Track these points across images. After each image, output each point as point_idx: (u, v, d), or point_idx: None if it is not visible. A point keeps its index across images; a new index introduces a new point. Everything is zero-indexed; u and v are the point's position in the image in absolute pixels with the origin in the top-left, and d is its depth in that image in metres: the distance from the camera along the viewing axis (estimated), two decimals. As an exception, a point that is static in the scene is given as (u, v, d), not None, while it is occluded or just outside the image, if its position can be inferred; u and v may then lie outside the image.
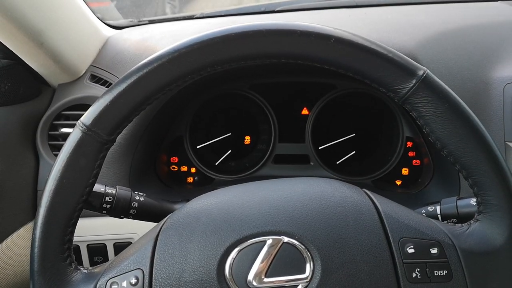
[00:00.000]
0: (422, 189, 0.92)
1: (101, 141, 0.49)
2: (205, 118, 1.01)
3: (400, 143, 0.96)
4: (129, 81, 0.49)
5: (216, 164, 1.02)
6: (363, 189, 0.57)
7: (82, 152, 0.49)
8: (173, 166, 1.02)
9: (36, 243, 0.48)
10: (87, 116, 0.49)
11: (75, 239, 0.80)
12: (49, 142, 0.83)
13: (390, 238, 0.48)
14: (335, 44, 0.46)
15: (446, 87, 0.47)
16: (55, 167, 0.49)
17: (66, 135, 0.85)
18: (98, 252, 0.81)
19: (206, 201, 0.53)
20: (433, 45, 0.81)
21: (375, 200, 0.53)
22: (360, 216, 0.50)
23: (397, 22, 0.91)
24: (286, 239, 0.47)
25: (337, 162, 0.97)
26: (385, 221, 0.50)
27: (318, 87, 0.98)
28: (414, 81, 0.46)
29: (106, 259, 0.83)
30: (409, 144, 0.96)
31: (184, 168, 1.02)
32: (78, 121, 0.49)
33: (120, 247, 0.82)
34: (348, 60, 0.47)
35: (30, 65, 0.81)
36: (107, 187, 0.61)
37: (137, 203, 0.63)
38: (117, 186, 0.63)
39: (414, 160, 0.97)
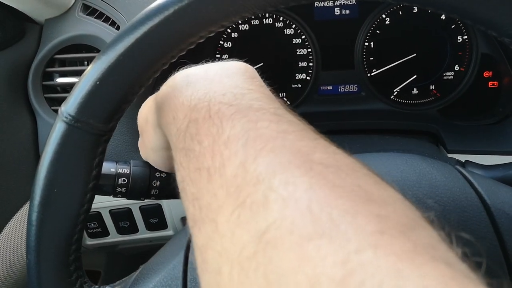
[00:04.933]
0: (502, 119, 0.75)
1: (97, 133, 0.35)
2: (230, 46, 0.83)
3: (473, 60, 0.77)
4: (121, 48, 0.33)
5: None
6: (456, 166, 0.42)
7: (71, 151, 0.35)
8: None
9: (32, 271, 0.37)
10: (71, 102, 0.34)
11: (95, 205, 0.71)
12: (45, 95, 0.69)
13: (508, 249, 0.35)
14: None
15: None
16: (39, 174, 0.36)
17: (66, 85, 0.70)
18: (123, 217, 0.71)
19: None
20: None
21: (477, 187, 0.39)
22: (460, 215, 0.36)
23: None
24: None
25: (394, 90, 0.80)
26: (497, 221, 0.36)
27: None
28: None
29: (133, 223, 0.73)
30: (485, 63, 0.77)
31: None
32: (60, 110, 0.35)
33: (147, 210, 0.71)
34: None
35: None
36: (118, 165, 0.48)
37: (158, 182, 0.51)
38: (131, 162, 0.50)
39: (491, 82, 0.78)
